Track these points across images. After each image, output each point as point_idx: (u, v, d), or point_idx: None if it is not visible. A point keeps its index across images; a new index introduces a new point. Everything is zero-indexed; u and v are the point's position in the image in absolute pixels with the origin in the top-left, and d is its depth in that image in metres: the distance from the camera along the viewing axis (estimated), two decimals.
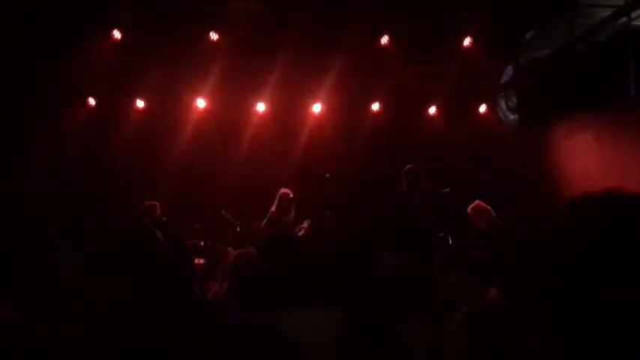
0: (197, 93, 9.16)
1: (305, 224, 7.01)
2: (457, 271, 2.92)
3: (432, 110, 9.65)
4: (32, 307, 1.39)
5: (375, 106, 9.51)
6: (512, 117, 9.41)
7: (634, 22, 7.02)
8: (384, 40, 8.71)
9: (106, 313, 1.27)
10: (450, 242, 6.37)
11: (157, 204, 6.94)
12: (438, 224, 6.54)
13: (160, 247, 1.68)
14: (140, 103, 9.15)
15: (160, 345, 1.39)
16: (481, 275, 3.00)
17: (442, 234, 6.48)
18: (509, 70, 9.28)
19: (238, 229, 7.39)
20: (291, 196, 7.24)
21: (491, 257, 3.47)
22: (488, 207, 4.96)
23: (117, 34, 8.39)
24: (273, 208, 7.12)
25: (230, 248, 5.64)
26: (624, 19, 7.07)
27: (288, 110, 9.39)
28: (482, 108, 9.63)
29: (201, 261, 5.88)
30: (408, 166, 6.85)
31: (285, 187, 7.34)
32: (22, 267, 2.00)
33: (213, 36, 8.57)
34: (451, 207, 6.18)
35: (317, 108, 9.42)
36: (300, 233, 6.78)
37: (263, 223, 7.00)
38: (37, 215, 6.91)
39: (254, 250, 3.30)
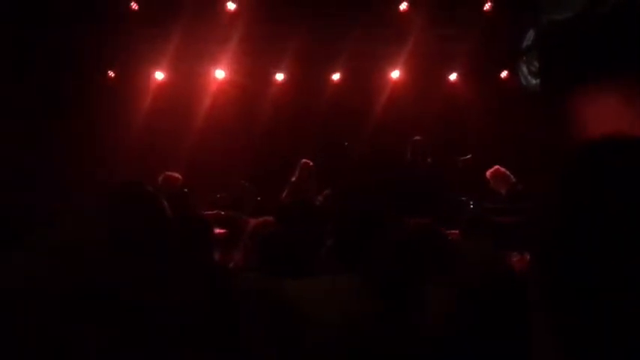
0: (216, 63, 9.13)
1: (322, 195, 7.02)
2: (478, 234, 2.90)
3: (453, 77, 9.56)
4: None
5: (395, 74, 9.42)
6: (534, 82, 9.25)
7: None
8: (404, 5, 8.58)
9: (114, 276, 1.27)
10: (472, 206, 6.36)
11: (178, 175, 6.94)
12: (458, 190, 6.53)
13: (162, 211, 1.66)
14: (159, 75, 9.16)
15: (175, 310, 1.38)
16: (502, 239, 2.98)
17: (464, 198, 6.47)
18: (531, 34, 9.09)
19: (259, 199, 7.42)
20: (311, 165, 7.26)
21: (513, 221, 3.45)
22: (508, 172, 4.92)
23: (134, 5, 8.36)
24: (293, 178, 7.15)
25: (250, 219, 5.65)
26: None
27: (307, 79, 9.34)
28: (504, 73, 9.52)
29: (222, 231, 5.90)
30: (415, 137, 6.87)
31: (304, 156, 7.35)
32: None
33: (231, 5, 8.51)
34: (472, 173, 6.15)
35: (336, 76, 9.38)
36: (318, 203, 6.79)
37: (284, 194, 7.02)
38: (56, 189, 6.98)
39: (273, 219, 3.31)
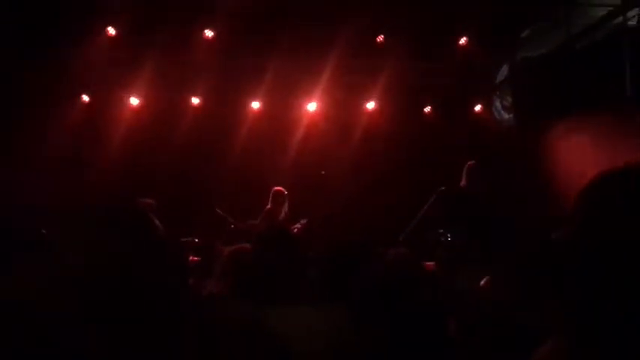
0: (191, 90, 9.11)
1: (299, 223, 7.00)
2: (458, 266, 2.90)
3: (428, 109, 9.66)
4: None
5: (371, 105, 9.49)
6: (507, 116, 9.39)
7: (630, 22, 6.99)
8: (381, 38, 8.67)
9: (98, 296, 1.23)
10: (449, 239, 6.32)
11: (151, 201, 6.85)
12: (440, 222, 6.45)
13: (157, 231, 1.61)
14: (134, 101, 9.10)
15: (156, 335, 1.34)
16: (482, 270, 2.98)
17: (441, 230, 6.41)
18: (505, 70, 9.26)
19: (232, 227, 7.36)
20: (285, 193, 7.25)
21: (491, 253, 3.44)
22: None
23: (111, 30, 8.32)
24: (268, 206, 7.14)
25: (224, 246, 5.59)
26: (620, 18, 7.06)
27: (283, 108, 9.36)
28: (478, 107, 9.65)
29: (196, 258, 5.83)
30: (470, 162, 6.56)
31: (280, 185, 7.34)
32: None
33: (208, 33, 8.51)
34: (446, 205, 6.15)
35: (312, 106, 9.39)
36: (295, 231, 6.76)
37: (258, 220, 6.99)
38: (30, 210, 6.83)
39: (248, 246, 3.26)
